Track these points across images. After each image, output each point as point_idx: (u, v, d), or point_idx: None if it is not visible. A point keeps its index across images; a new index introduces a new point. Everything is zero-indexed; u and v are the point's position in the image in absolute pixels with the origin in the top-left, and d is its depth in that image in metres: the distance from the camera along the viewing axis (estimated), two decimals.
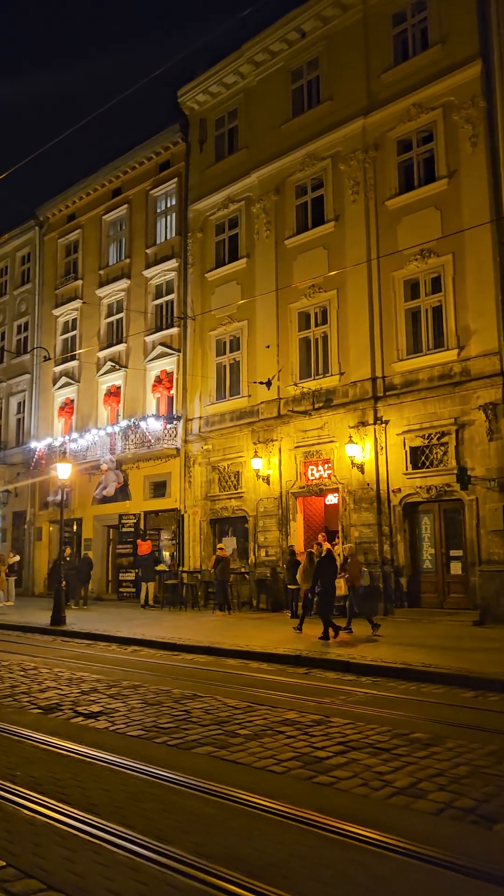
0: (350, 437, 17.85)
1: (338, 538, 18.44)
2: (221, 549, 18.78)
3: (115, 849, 3.99)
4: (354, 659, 10.60)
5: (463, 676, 9.19)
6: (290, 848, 4.04)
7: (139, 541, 21.35)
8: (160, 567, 21.17)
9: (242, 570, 19.97)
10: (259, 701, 8.02)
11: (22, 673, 10.14)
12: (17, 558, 24.53)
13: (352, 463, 17.81)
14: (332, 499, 19.63)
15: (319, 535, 18.39)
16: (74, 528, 25.90)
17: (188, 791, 4.99)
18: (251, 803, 4.70)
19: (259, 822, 4.43)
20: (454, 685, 9.02)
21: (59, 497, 25.97)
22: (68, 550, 20.43)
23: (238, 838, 4.18)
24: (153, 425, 22.77)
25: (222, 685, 9.10)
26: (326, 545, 14.68)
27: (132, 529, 23.95)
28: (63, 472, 17.04)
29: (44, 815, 4.52)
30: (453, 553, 16.63)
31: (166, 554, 22.33)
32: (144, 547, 20.03)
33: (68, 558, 19.45)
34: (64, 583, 16.98)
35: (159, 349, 24.02)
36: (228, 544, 20.58)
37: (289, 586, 17.36)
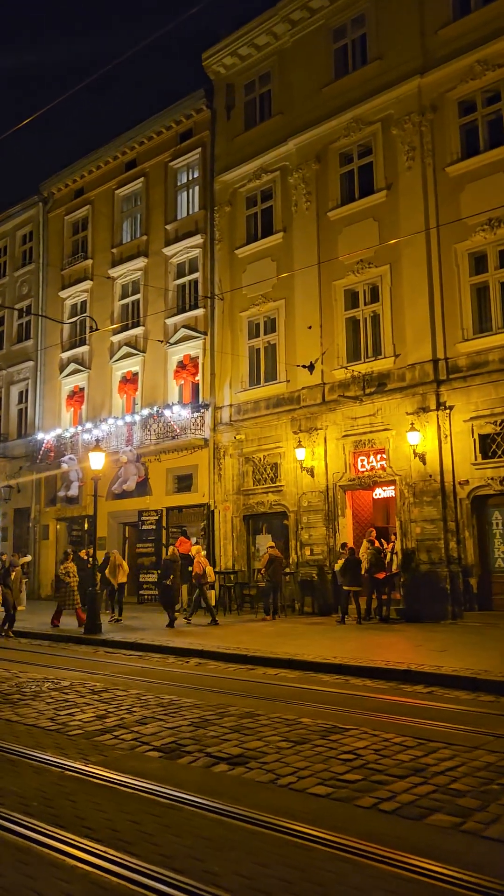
0: (412, 423, 16.26)
1: (393, 535, 16.86)
2: (272, 547, 17.02)
3: None
4: (480, 675, 9.06)
5: None
6: None
7: (182, 538, 19.51)
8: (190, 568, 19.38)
9: (287, 570, 18.27)
10: (422, 735, 6.41)
11: (96, 697, 8.41)
12: (29, 558, 22.60)
13: (414, 453, 16.23)
14: (380, 492, 18.04)
15: (372, 532, 16.87)
16: (86, 525, 24.03)
17: None
18: None
19: None
20: None
21: (71, 492, 24.33)
22: (113, 551, 18.21)
23: None
24: (178, 414, 21.00)
25: (353, 711, 7.47)
26: (171, 549, 17.14)
27: (153, 527, 22.16)
28: (96, 461, 15.23)
29: None
30: None
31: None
32: (187, 545, 18.23)
33: (101, 559, 17.48)
34: (99, 586, 15.18)
35: (182, 332, 22.23)
36: (263, 542, 18.92)
37: (345, 588, 15.69)
